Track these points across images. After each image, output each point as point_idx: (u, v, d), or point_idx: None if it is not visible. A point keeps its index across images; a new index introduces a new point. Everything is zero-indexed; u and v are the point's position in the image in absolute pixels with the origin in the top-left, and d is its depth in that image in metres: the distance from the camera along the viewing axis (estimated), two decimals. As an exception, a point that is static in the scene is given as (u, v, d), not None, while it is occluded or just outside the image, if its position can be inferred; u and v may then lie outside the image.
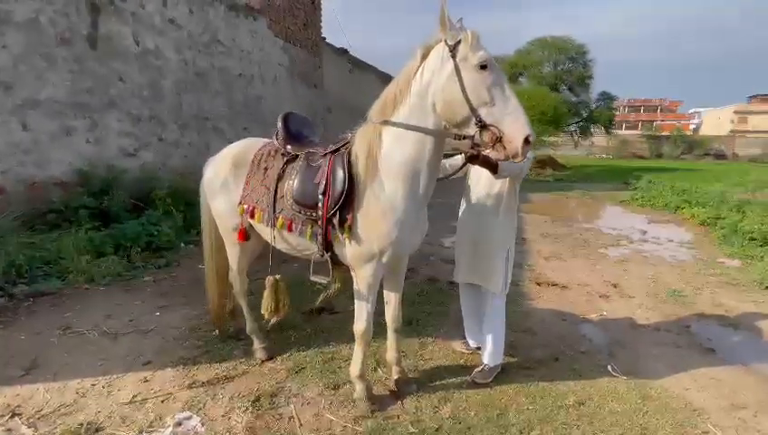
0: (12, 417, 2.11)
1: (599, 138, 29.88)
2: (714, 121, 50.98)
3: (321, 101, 11.00)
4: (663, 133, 38.85)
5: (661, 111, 61.59)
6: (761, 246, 5.76)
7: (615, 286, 4.40)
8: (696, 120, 57.45)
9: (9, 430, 2.03)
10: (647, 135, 38.79)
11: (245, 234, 2.48)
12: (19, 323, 3.09)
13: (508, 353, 2.85)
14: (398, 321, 2.43)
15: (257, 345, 2.75)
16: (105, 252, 4.29)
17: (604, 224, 7.97)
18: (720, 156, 34.29)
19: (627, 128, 54.61)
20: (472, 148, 2.04)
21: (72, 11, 4.96)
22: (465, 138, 1.88)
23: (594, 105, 25.10)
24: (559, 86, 23.25)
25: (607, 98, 25.91)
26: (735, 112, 48.93)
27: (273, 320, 2.56)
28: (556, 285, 4.38)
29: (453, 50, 1.78)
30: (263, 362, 2.67)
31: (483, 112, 1.75)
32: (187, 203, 5.51)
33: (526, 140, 1.68)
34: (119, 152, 5.64)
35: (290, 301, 2.55)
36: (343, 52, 12.39)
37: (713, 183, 12.85)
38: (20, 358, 2.62)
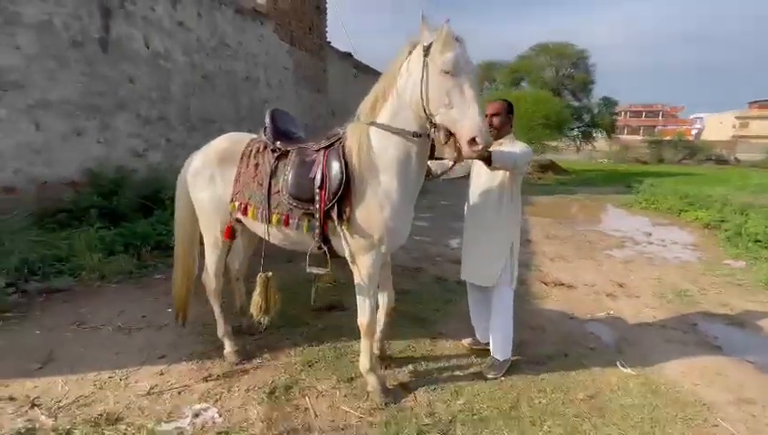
0: (31, 407, 2.14)
1: (600, 143, 29.90)
2: (716, 126, 51.00)
3: (325, 105, 11.08)
4: (665, 138, 38.80)
5: (663, 116, 61.65)
6: (766, 247, 5.79)
7: (621, 286, 4.43)
8: (698, 126, 57.46)
9: (29, 420, 2.06)
10: (648, 140, 38.79)
11: (232, 231, 2.46)
12: (34, 318, 3.12)
13: (517, 351, 2.89)
14: (392, 303, 2.56)
15: (229, 349, 2.64)
16: (115, 250, 4.33)
17: (608, 226, 7.99)
18: (722, 161, 34.17)
19: (629, 133, 54.68)
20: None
21: (84, 14, 5.03)
22: (429, 136, 1.99)
23: (596, 110, 25.20)
24: (561, 91, 23.38)
25: (608, 103, 26.02)
26: (737, 118, 48.98)
27: (265, 320, 2.45)
28: (563, 284, 4.40)
29: (426, 50, 1.86)
30: (236, 364, 2.59)
31: (441, 113, 1.85)
32: (194, 203, 5.59)
33: (472, 141, 1.77)
34: (128, 153, 5.69)
35: (280, 299, 2.46)
36: (348, 56, 12.49)
37: (715, 187, 12.86)
38: (36, 352, 2.65)
